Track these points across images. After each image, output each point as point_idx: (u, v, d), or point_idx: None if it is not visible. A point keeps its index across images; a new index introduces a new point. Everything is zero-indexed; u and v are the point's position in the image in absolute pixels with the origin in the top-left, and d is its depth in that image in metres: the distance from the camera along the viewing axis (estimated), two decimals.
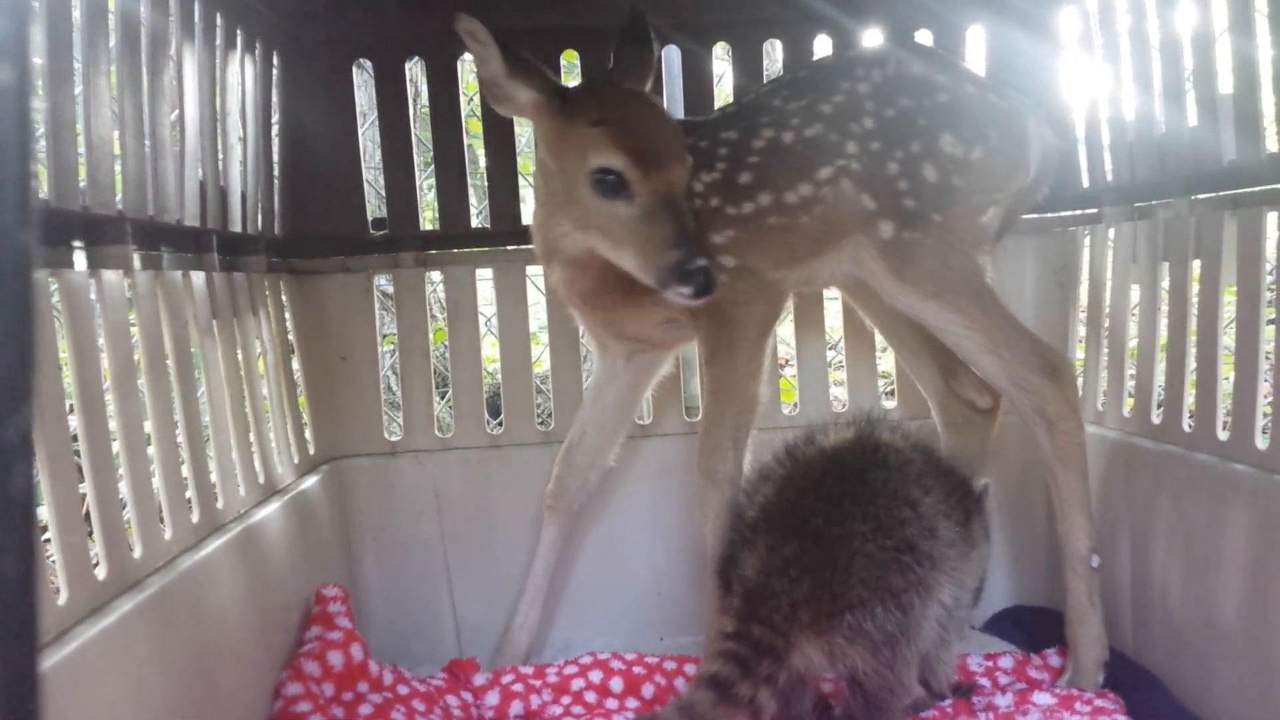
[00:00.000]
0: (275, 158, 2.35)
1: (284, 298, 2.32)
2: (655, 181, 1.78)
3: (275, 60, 2.33)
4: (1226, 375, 1.83)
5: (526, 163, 2.72)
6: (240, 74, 2.12)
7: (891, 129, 1.96)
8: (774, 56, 2.56)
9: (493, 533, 2.44)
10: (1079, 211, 2.43)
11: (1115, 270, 2.25)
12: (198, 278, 1.87)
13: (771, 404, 2.43)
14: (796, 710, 1.77)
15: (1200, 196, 1.95)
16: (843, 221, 1.96)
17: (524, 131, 2.91)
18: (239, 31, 2.10)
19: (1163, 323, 2.05)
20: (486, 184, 2.52)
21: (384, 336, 3.11)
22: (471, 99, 3.01)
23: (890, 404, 2.52)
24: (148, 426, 1.65)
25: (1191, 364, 1.95)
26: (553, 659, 2.23)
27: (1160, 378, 2.06)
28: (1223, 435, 1.82)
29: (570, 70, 2.60)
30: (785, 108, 2.01)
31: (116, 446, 1.53)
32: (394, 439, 2.46)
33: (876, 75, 2.00)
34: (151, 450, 1.65)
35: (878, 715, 1.75)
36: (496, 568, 2.42)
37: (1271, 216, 1.75)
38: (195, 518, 1.74)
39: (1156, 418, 2.04)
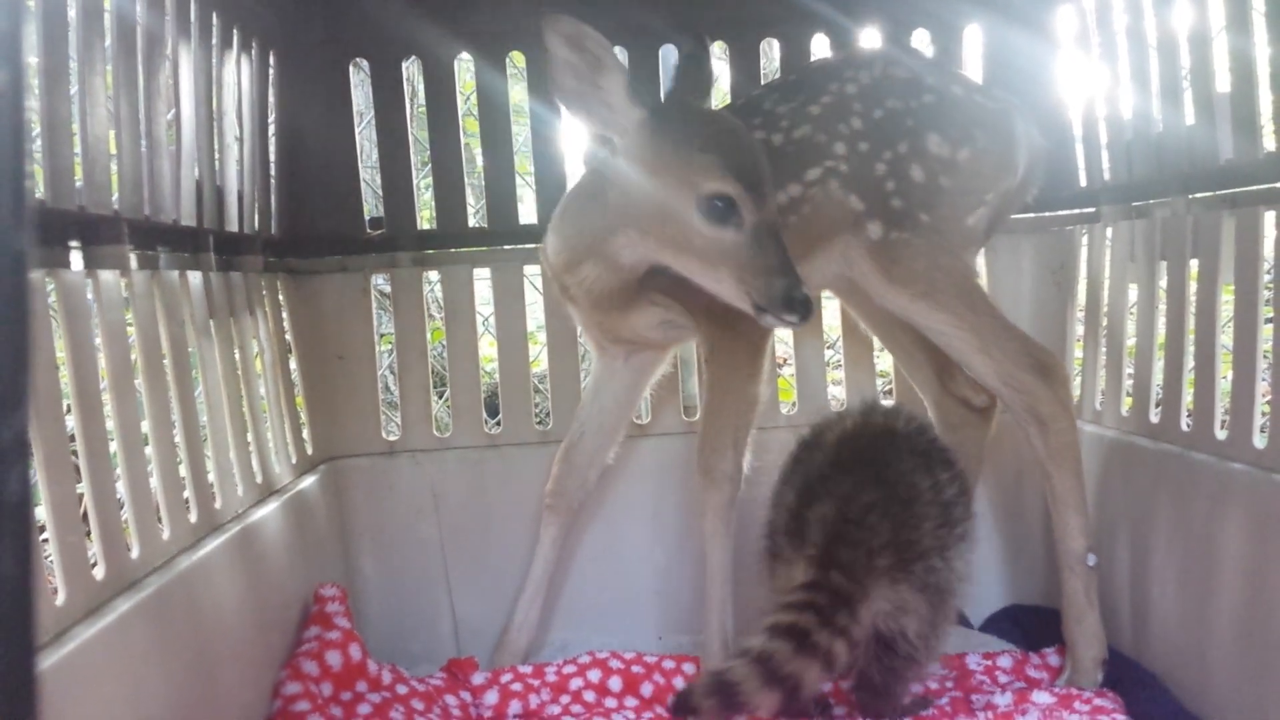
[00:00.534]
0: (272, 157, 2.34)
1: (281, 297, 2.32)
2: (763, 210, 1.76)
3: (272, 59, 2.33)
4: (1224, 374, 1.84)
5: (524, 162, 2.72)
6: (236, 73, 2.12)
7: (879, 130, 1.97)
8: (771, 56, 2.57)
9: (491, 532, 2.44)
10: (1076, 211, 2.43)
11: (1113, 269, 2.25)
12: (194, 277, 1.87)
13: (770, 403, 2.44)
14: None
15: (1198, 195, 1.95)
16: (831, 222, 1.97)
17: (521, 130, 2.91)
18: (235, 31, 2.10)
19: (1160, 322, 2.05)
20: (484, 183, 2.52)
21: (381, 336, 3.10)
22: (468, 98, 3.01)
23: (888, 403, 2.51)
24: (145, 426, 1.65)
25: (1189, 363, 1.95)
26: (551, 658, 2.23)
27: (1158, 377, 2.06)
28: (1221, 434, 1.82)
29: None
30: (775, 110, 2.02)
31: (114, 446, 1.53)
32: (392, 439, 2.46)
33: (864, 77, 2.02)
34: (149, 450, 1.65)
35: (898, 681, 1.80)
36: (495, 567, 2.42)
37: (1269, 215, 1.75)
38: (193, 518, 1.74)
39: (1154, 417, 2.04)
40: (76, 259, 1.51)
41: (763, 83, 2.39)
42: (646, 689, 2.10)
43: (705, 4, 2.45)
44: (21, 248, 0.51)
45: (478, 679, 2.11)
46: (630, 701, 2.08)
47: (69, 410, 1.42)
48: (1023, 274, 2.48)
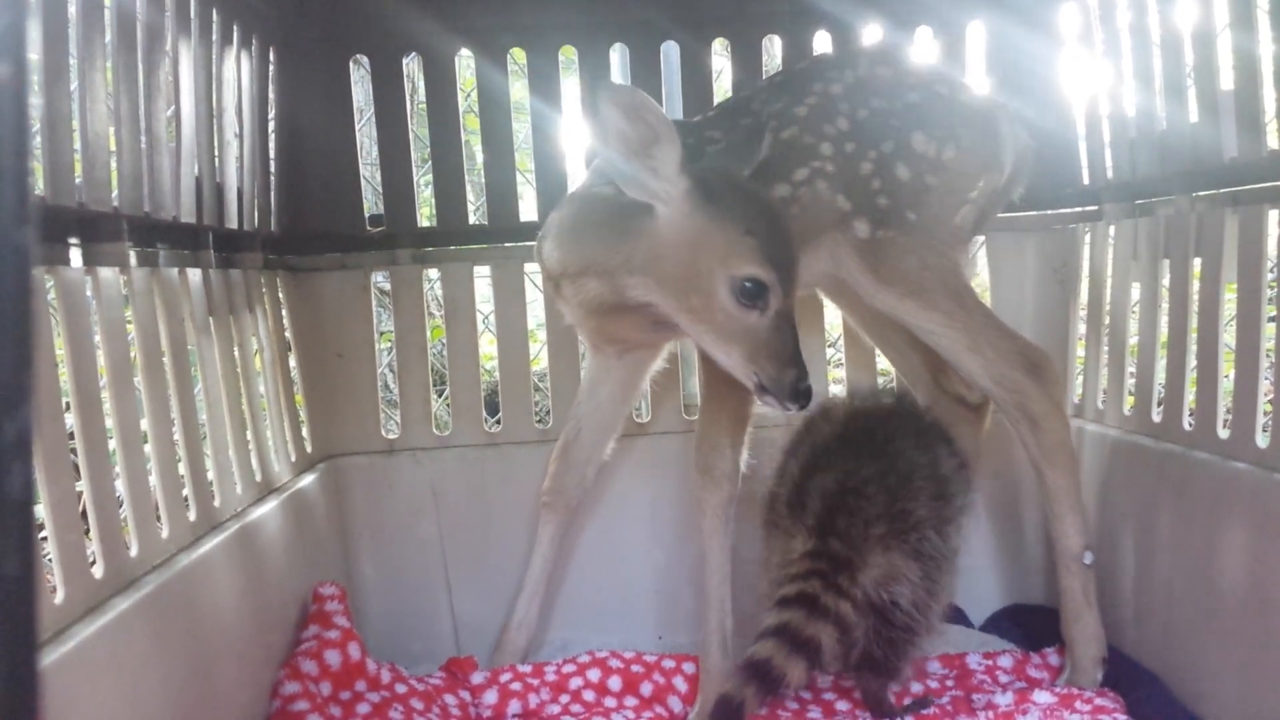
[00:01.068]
0: (272, 154, 2.34)
1: (280, 295, 2.31)
2: (787, 299, 1.78)
3: (272, 56, 2.32)
4: (1227, 373, 1.83)
5: (524, 159, 2.72)
6: (236, 70, 2.11)
7: (865, 130, 1.98)
8: (773, 53, 2.56)
9: (490, 531, 2.44)
10: (1079, 209, 2.43)
11: (1116, 267, 2.25)
12: (194, 275, 1.86)
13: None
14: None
15: (1201, 193, 1.95)
16: (819, 222, 1.98)
17: (521, 127, 2.90)
18: (235, 27, 2.09)
19: (1163, 320, 2.05)
20: (484, 181, 2.52)
21: (381, 334, 3.10)
22: (469, 95, 3.00)
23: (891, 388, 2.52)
24: (144, 424, 1.64)
25: (1192, 362, 1.95)
26: (551, 658, 2.23)
27: (1161, 375, 2.06)
28: (1223, 433, 1.81)
29: (569, 66, 2.59)
30: (763, 111, 2.02)
31: (113, 444, 1.53)
32: (391, 437, 2.46)
33: (849, 77, 2.02)
34: (148, 448, 1.65)
35: (899, 654, 1.85)
36: (494, 566, 2.42)
37: (1272, 214, 1.75)
38: (192, 516, 1.73)
39: (1157, 416, 2.04)
40: (76, 256, 1.51)
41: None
42: (646, 688, 2.10)
43: (707, 1, 2.44)
44: (24, 244, 0.50)
45: (477, 678, 2.10)
46: (630, 701, 2.08)
47: (68, 408, 1.41)
48: (1025, 272, 2.48)
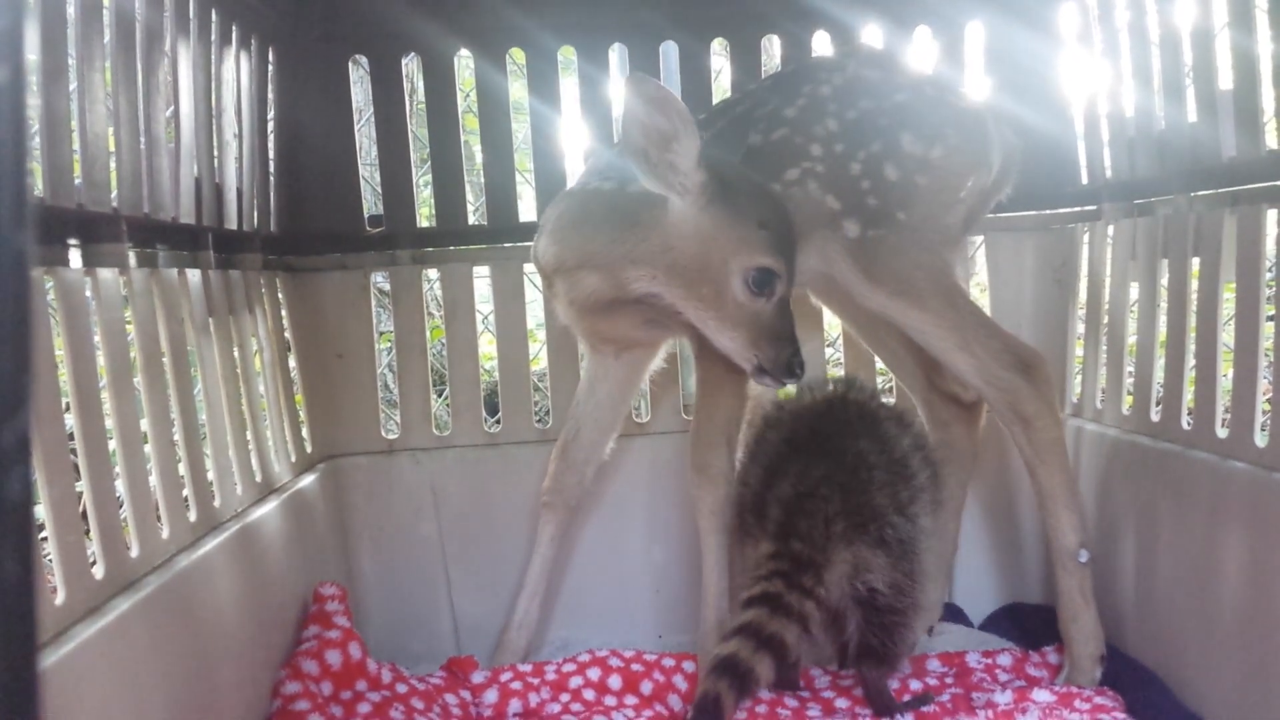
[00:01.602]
0: (271, 154, 2.34)
1: (280, 295, 2.31)
2: (790, 284, 1.87)
3: (271, 56, 2.32)
4: (1225, 372, 1.83)
5: (524, 159, 2.72)
6: (236, 70, 2.11)
7: (853, 130, 1.99)
8: (771, 53, 2.56)
9: (491, 530, 2.44)
10: (1078, 208, 2.43)
11: (1114, 267, 2.25)
12: (193, 275, 1.86)
13: (770, 401, 2.43)
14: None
15: (1200, 193, 1.95)
16: (810, 221, 1.98)
17: (521, 128, 2.90)
18: (234, 27, 2.10)
19: (1162, 320, 2.05)
20: (483, 181, 2.51)
21: (381, 334, 3.10)
22: (468, 95, 3.00)
23: (888, 401, 2.51)
24: (144, 425, 1.64)
25: (1190, 361, 1.95)
26: (551, 657, 2.23)
27: (1159, 375, 2.06)
28: (1221, 433, 1.81)
29: (568, 66, 2.59)
30: (753, 113, 2.04)
31: (113, 445, 1.53)
32: (391, 437, 2.46)
33: (837, 78, 2.04)
34: (148, 449, 1.65)
35: (895, 639, 1.87)
36: (494, 565, 2.42)
37: (1271, 213, 1.75)
38: (192, 517, 1.73)
39: (1155, 415, 2.04)
40: (75, 257, 1.51)
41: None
42: (646, 687, 2.10)
43: (706, 1, 2.45)
44: (23, 247, 0.50)
45: (477, 678, 2.10)
46: (630, 699, 2.08)
47: (68, 409, 1.42)
48: (1024, 272, 2.48)
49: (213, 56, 1.99)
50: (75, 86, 1.50)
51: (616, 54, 2.48)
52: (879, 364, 2.53)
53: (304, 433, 2.34)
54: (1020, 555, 2.47)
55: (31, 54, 1.38)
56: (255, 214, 2.20)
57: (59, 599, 1.31)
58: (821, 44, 2.45)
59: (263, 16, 2.24)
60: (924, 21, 2.43)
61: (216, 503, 1.84)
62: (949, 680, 2.08)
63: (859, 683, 2.00)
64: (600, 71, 2.44)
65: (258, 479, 2.03)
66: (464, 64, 2.61)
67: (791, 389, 2.00)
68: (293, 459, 2.22)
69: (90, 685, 1.29)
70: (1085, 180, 2.40)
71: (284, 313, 2.33)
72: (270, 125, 2.34)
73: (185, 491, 1.74)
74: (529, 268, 2.47)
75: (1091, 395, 2.32)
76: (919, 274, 1.96)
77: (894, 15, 2.43)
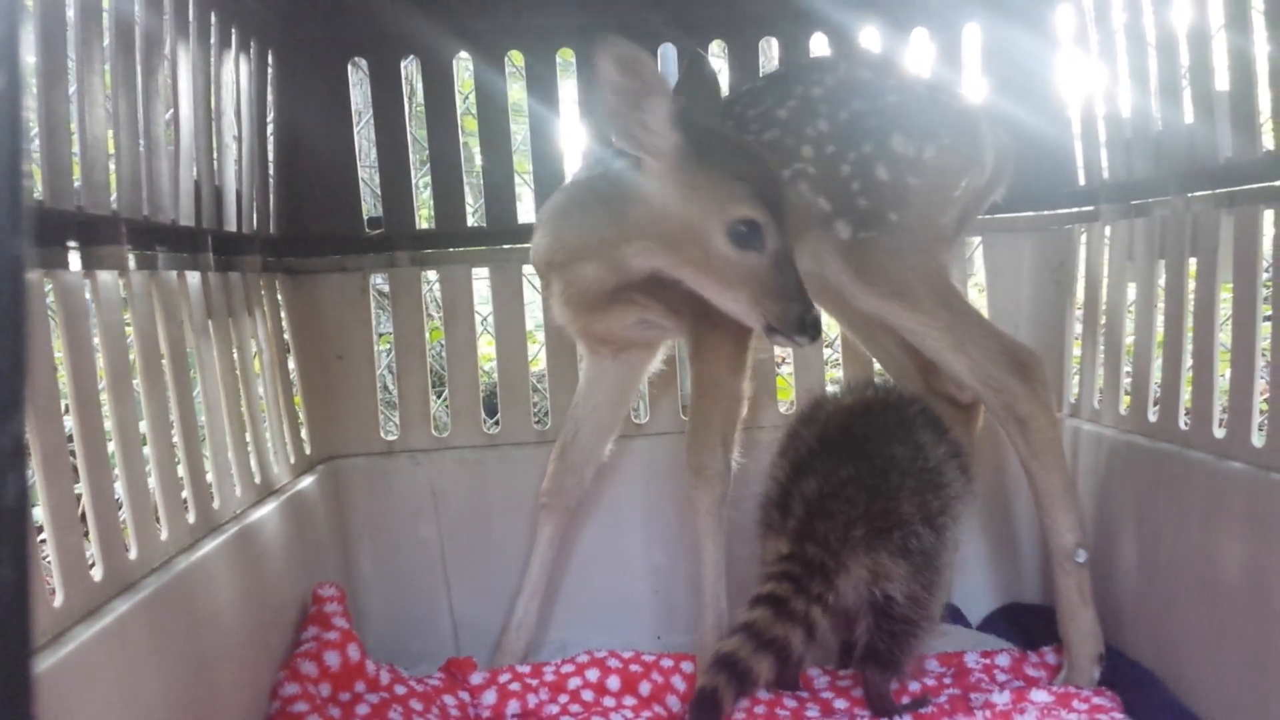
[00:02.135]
0: (270, 157, 2.34)
1: (279, 297, 2.32)
2: (783, 235, 1.80)
3: (270, 59, 2.32)
4: (1223, 373, 1.83)
5: (523, 161, 2.72)
6: (235, 73, 2.11)
7: (844, 131, 1.99)
8: (770, 54, 2.56)
9: (490, 532, 2.44)
10: (1075, 209, 2.43)
11: (1111, 268, 2.25)
12: (193, 278, 1.86)
13: (768, 402, 2.44)
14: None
15: (1196, 194, 1.95)
16: (801, 223, 1.99)
17: (520, 130, 2.90)
18: (234, 30, 2.10)
19: (1159, 320, 2.05)
20: (482, 183, 2.52)
21: (380, 336, 3.10)
22: (467, 97, 3.00)
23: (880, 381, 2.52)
24: (143, 427, 1.65)
25: (1188, 362, 1.95)
26: (549, 658, 2.23)
27: (1156, 375, 2.06)
28: (1219, 433, 1.82)
29: (566, 68, 2.59)
30: (745, 114, 2.04)
31: (112, 447, 1.53)
32: (390, 438, 2.46)
33: (829, 79, 2.04)
34: (147, 451, 1.65)
35: (902, 648, 1.88)
36: (493, 567, 2.42)
37: (1268, 214, 1.75)
38: (191, 518, 1.73)
39: (1153, 415, 2.04)
40: (74, 259, 1.51)
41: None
42: (644, 688, 2.10)
43: (704, 2, 2.45)
44: (18, 252, 0.50)
45: (476, 679, 2.11)
46: (629, 700, 2.08)
47: (67, 411, 1.42)
48: (1021, 272, 2.49)
49: (212, 59, 1.99)
50: (75, 89, 1.50)
51: None
52: (878, 364, 2.53)
53: (303, 434, 2.34)
54: (1018, 555, 2.48)
55: (31, 56, 1.39)
56: (255, 216, 2.20)
57: (58, 601, 1.32)
58: (819, 46, 2.45)
59: (262, 19, 2.24)
60: (921, 23, 2.44)
61: (216, 504, 1.84)
62: (947, 680, 2.08)
63: (858, 683, 2.01)
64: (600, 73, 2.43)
65: (257, 480, 2.03)
66: (463, 66, 2.61)
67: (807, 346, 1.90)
68: (292, 460, 2.23)
69: (89, 687, 1.29)
70: (1082, 181, 2.40)
71: (283, 314, 2.33)
72: (270, 128, 2.34)
73: (184, 493, 1.75)
74: (528, 269, 2.47)
75: (1089, 395, 2.32)
76: (912, 275, 1.96)
77: (891, 17, 2.43)
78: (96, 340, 1.52)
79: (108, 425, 1.53)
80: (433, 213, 2.52)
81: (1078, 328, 2.41)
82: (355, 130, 2.48)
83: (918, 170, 1.98)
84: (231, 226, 2.07)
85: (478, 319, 2.52)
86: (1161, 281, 2.05)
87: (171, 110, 1.85)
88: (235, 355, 2.01)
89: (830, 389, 2.37)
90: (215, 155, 2.01)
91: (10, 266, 0.52)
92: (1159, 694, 1.88)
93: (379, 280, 2.75)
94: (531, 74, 2.44)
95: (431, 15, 2.40)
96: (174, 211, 1.81)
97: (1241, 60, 1.76)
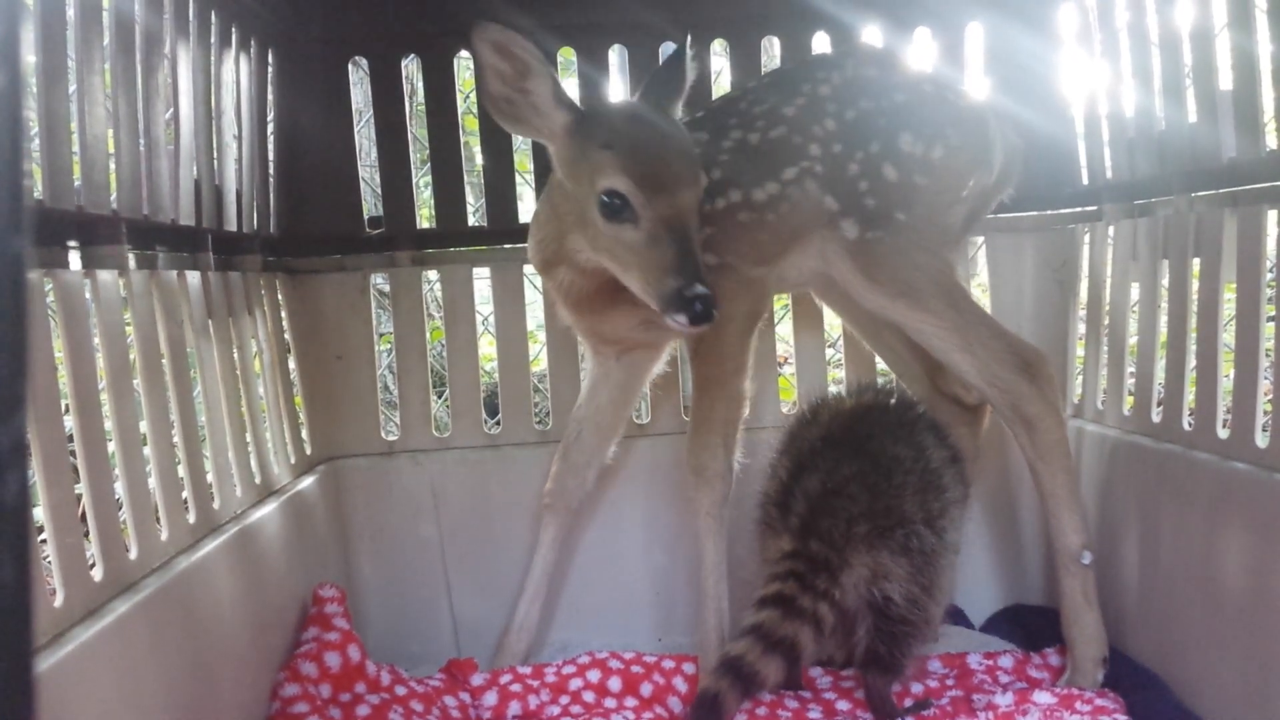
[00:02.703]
0: (270, 156, 2.34)
1: (280, 297, 2.31)
2: (660, 206, 1.74)
3: (270, 58, 2.32)
4: (1226, 373, 1.83)
5: (524, 160, 2.72)
6: (235, 72, 2.11)
7: (852, 130, 1.98)
8: (772, 53, 2.56)
9: (491, 532, 2.44)
10: (1079, 209, 2.42)
11: (1115, 268, 2.25)
12: (193, 277, 1.86)
13: (770, 403, 2.43)
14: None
15: (1200, 194, 1.95)
16: (808, 221, 1.99)
17: None
18: (234, 29, 2.09)
19: (1163, 320, 2.05)
20: (483, 182, 2.51)
21: (380, 336, 3.10)
22: (468, 96, 3.00)
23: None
24: (143, 427, 1.64)
25: (1191, 362, 1.95)
26: (551, 659, 2.22)
27: (1160, 375, 2.06)
28: (1223, 433, 1.81)
29: (567, 67, 2.59)
30: (751, 110, 2.03)
31: (112, 447, 1.53)
32: (391, 439, 2.45)
33: (836, 78, 2.03)
34: (147, 451, 1.65)
35: (902, 650, 1.88)
36: (494, 567, 2.42)
37: (1271, 214, 1.75)
38: (191, 518, 1.73)
39: (1156, 416, 2.04)
40: (75, 259, 1.51)
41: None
42: (646, 689, 2.10)
43: (706, 2, 2.45)
44: (19, 252, 0.50)
45: (477, 680, 2.10)
46: (630, 702, 2.08)
47: (67, 411, 1.41)
48: (1025, 272, 2.48)
49: (212, 58, 1.99)
50: (75, 89, 1.50)
51: (616, 55, 2.48)
52: (880, 365, 2.53)
53: (303, 434, 2.34)
54: (1021, 556, 2.47)
55: (31, 56, 1.38)
56: (255, 216, 2.20)
57: (58, 601, 1.31)
58: (821, 45, 2.45)
59: (262, 18, 2.24)
60: (924, 22, 2.43)
61: (216, 504, 1.84)
62: (950, 682, 2.08)
63: (860, 684, 2.00)
64: (600, 73, 2.43)
65: (257, 481, 2.03)
66: (463, 65, 2.61)
67: (694, 328, 1.75)
68: (292, 460, 2.22)
69: (89, 687, 1.29)
70: (1085, 181, 2.40)
71: (283, 314, 2.33)
72: (270, 127, 2.34)
73: (184, 493, 1.74)
74: (529, 269, 2.47)
75: (1092, 396, 2.31)
76: (919, 275, 1.95)
77: (894, 16, 2.42)
78: (97, 340, 1.52)
79: (108, 425, 1.52)
80: (433, 212, 2.51)
81: (1081, 328, 2.41)
82: (356, 129, 2.48)
83: (926, 170, 1.97)
84: (232, 226, 2.06)
85: (479, 319, 2.51)
86: (1165, 281, 2.05)
87: (171, 109, 1.84)
88: (235, 355, 2.01)
89: (833, 390, 2.36)
90: (215, 155, 2.00)
91: (11, 266, 0.51)
92: (1162, 696, 1.87)
93: (379, 280, 2.75)
94: None
95: (432, 14, 2.39)
96: (174, 211, 1.80)
97: (1245, 60, 1.75)
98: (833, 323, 2.85)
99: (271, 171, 2.34)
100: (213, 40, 1.99)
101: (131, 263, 1.64)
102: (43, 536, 1.31)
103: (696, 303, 1.69)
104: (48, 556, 1.33)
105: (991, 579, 2.48)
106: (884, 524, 1.84)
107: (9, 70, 0.52)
